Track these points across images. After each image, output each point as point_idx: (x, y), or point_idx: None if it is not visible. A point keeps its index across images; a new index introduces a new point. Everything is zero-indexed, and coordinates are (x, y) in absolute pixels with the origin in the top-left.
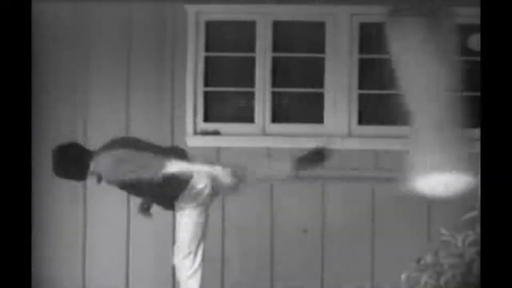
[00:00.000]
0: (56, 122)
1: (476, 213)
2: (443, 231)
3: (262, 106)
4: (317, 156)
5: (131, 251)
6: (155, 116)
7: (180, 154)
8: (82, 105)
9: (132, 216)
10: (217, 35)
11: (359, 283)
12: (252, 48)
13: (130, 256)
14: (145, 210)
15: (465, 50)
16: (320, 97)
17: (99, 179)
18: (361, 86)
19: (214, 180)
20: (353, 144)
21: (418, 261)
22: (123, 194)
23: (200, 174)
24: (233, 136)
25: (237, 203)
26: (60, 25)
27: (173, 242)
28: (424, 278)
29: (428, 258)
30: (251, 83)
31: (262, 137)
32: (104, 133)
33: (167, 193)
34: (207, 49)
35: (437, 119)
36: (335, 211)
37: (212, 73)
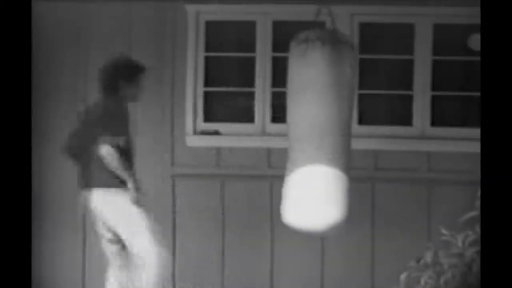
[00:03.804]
0: (56, 122)
1: (476, 213)
2: (443, 231)
3: (262, 106)
4: None
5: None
6: (155, 116)
7: None
8: (82, 105)
9: None
10: (217, 35)
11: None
12: (252, 48)
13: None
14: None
15: (465, 50)
16: None
17: None
18: (361, 86)
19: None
20: (353, 144)
21: (418, 261)
22: None
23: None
24: (233, 136)
25: (237, 203)
26: (60, 25)
27: (173, 243)
28: (424, 278)
29: (428, 258)
30: (251, 83)
31: (262, 137)
32: None
33: None
34: (207, 49)
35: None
36: None
37: (212, 73)
